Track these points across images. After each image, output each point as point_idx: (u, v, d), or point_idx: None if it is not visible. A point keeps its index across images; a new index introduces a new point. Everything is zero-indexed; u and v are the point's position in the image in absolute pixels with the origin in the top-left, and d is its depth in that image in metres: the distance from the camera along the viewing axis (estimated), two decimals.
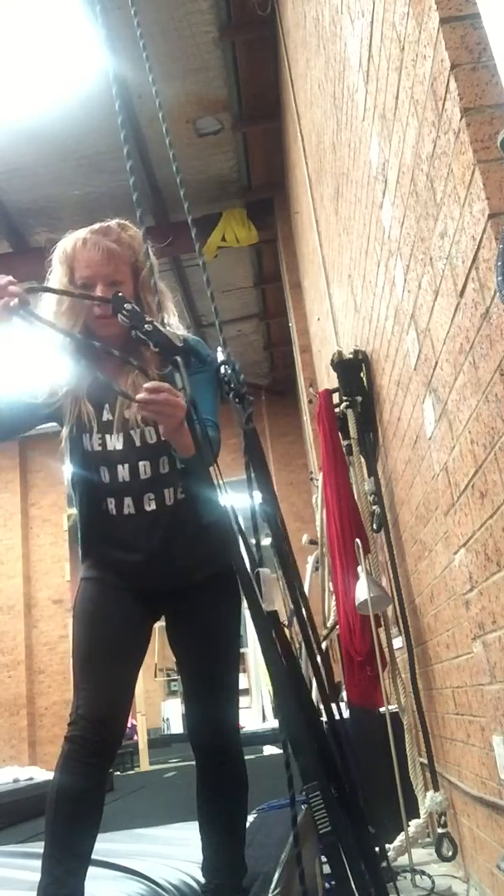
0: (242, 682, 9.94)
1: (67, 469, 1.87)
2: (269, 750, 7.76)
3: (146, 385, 1.45)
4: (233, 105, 6.86)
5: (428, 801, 2.72)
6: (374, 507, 3.32)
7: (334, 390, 3.54)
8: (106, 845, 2.04)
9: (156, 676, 12.76)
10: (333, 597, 3.63)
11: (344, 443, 3.47)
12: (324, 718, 1.50)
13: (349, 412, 3.38)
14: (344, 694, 3.40)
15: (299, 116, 5.06)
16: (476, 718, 2.07)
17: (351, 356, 3.39)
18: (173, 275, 8.62)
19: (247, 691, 12.21)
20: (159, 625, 1.81)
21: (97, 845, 1.52)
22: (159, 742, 11.75)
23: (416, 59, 1.56)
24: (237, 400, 1.52)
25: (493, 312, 1.27)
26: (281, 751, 1.43)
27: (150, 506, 1.66)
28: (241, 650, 2.27)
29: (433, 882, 2.52)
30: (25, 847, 2.88)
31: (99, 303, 1.62)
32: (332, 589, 3.79)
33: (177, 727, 13.31)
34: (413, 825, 2.79)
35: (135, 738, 9.13)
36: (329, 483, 3.44)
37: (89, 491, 1.71)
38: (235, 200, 8.00)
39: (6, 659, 12.67)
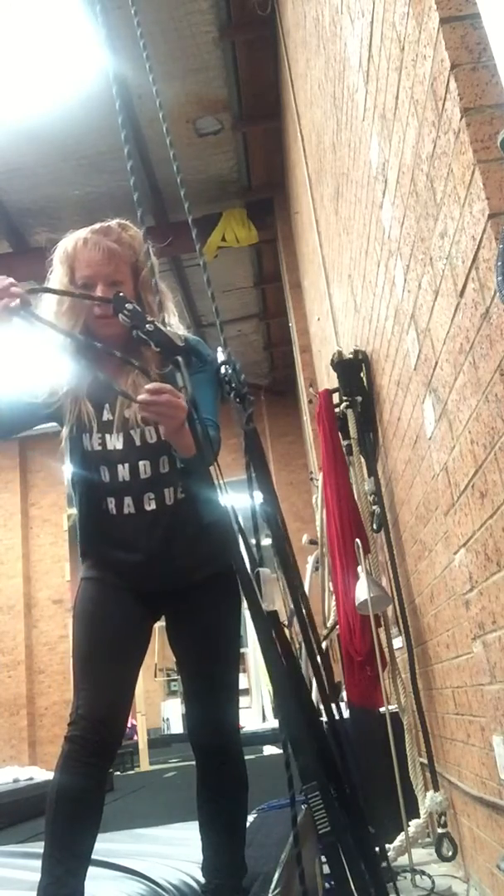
0: (242, 682, 9.94)
1: (67, 469, 1.87)
2: (269, 750, 7.76)
3: (147, 386, 1.45)
4: (233, 105, 6.87)
5: (428, 801, 2.72)
6: (374, 507, 3.32)
7: (334, 390, 3.54)
8: (106, 845, 2.04)
9: (156, 676, 12.76)
10: (333, 597, 3.63)
11: (344, 443, 3.47)
12: (324, 718, 1.50)
13: (349, 412, 3.38)
14: (344, 694, 3.40)
15: (299, 116, 5.06)
16: (476, 718, 2.07)
17: (351, 356, 3.39)
18: (173, 275, 8.62)
19: (247, 691, 12.21)
20: (159, 625, 1.81)
21: (97, 845, 1.52)
22: (159, 742, 11.75)
23: (416, 59, 1.56)
24: (238, 400, 1.52)
25: (493, 312, 1.27)
26: (281, 751, 1.43)
27: (151, 505, 1.66)
28: (241, 650, 2.27)
29: (433, 882, 2.52)
30: (25, 847, 2.88)
31: (99, 303, 1.62)
32: (332, 589, 3.79)
33: (177, 727, 13.30)
34: (413, 825, 2.79)
35: (135, 738, 9.13)
36: (329, 483, 3.44)
37: (89, 490, 1.71)
38: (235, 200, 8.00)
39: (6, 659, 12.67)
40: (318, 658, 1.51)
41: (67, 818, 1.48)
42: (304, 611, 1.50)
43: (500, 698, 1.51)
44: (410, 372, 2.21)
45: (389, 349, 2.68)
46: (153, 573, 1.67)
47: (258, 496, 1.51)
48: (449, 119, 1.37)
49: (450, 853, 2.62)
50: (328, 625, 4.13)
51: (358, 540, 3.13)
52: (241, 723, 1.89)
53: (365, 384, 3.33)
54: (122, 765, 8.73)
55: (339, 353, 3.48)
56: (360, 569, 3.07)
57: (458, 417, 1.57)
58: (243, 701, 11.20)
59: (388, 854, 2.71)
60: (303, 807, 1.37)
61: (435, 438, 1.82)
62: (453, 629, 2.25)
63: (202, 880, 1.73)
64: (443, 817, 2.67)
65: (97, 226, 1.72)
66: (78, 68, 5.89)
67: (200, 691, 1.72)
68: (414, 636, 3.01)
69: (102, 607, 1.67)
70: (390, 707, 3.03)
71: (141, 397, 1.44)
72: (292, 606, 1.51)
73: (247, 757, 1.76)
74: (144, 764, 8.76)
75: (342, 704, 2.95)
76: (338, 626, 3.37)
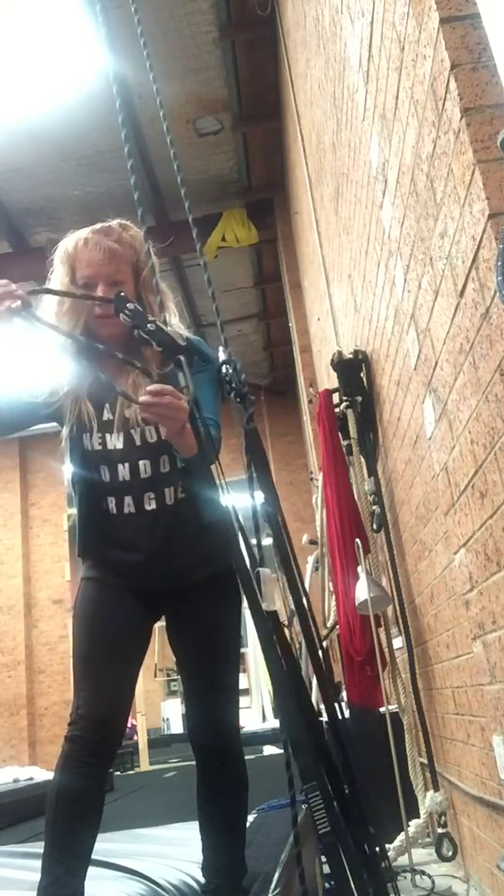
0: (242, 682, 9.92)
1: (67, 469, 1.87)
2: (269, 750, 7.76)
3: (149, 388, 1.45)
4: (233, 105, 6.87)
5: (428, 801, 2.72)
6: (374, 507, 3.32)
7: (334, 390, 3.54)
8: (106, 845, 2.04)
9: (156, 676, 12.76)
10: (333, 597, 3.63)
11: (344, 443, 3.47)
12: (324, 718, 1.50)
13: (349, 412, 3.38)
14: (344, 694, 3.40)
15: (299, 116, 5.06)
16: (476, 718, 2.07)
17: (351, 356, 3.39)
18: (173, 275, 8.62)
19: (247, 691, 12.21)
20: (159, 625, 1.81)
21: (97, 845, 1.52)
22: (159, 742, 11.75)
23: (416, 59, 1.56)
24: (238, 399, 1.52)
25: (493, 312, 1.27)
26: (281, 751, 1.43)
27: (151, 505, 1.66)
28: (242, 650, 2.27)
29: (433, 882, 2.52)
30: (25, 847, 2.88)
31: (100, 302, 1.62)
32: (332, 589, 3.79)
33: (177, 727, 13.30)
34: (413, 825, 2.79)
35: (135, 738, 9.13)
36: (329, 483, 3.44)
37: (89, 490, 1.71)
38: (235, 200, 8.00)
39: (6, 659, 12.67)
40: (320, 658, 1.51)
41: (67, 818, 1.48)
42: (306, 612, 1.50)
43: (500, 698, 1.51)
44: (410, 372, 2.21)
45: (389, 349, 2.68)
46: (153, 573, 1.67)
47: (259, 496, 1.51)
48: (449, 119, 1.37)
49: (450, 853, 2.62)
50: (328, 625, 4.13)
51: (358, 540, 3.13)
52: (241, 723, 1.89)
53: (365, 384, 3.33)
54: (122, 765, 8.74)
55: (339, 353, 3.48)
56: (360, 569, 3.07)
57: (458, 417, 1.57)
58: (243, 701, 11.18)
59: (388, 854, 2.71)
60: (303, 807, 1.37)
61: (435, 438, 1.82)
62: (453, 629, 2.25)
63: (202, 880, 1.73)
64: (443, 817, 2.67)
65: (98, 226, 1.72)
66: (78, 68, 5.89)
67: (200, 691, 1.72)
68: (414, 636, 3.01)
69: (102, 607, 1.67)
70: (390, 707, 3.03)
71: (142, 399, 1.44)
72: (293, 607, 1.51)
73: (247, 757, 1.76)
74: (144, 764, 8.76)
75: (342, 704, 2.95)
76: (338, 626, 3.37)
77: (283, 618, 1.48)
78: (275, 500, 1.50)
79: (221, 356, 1.59)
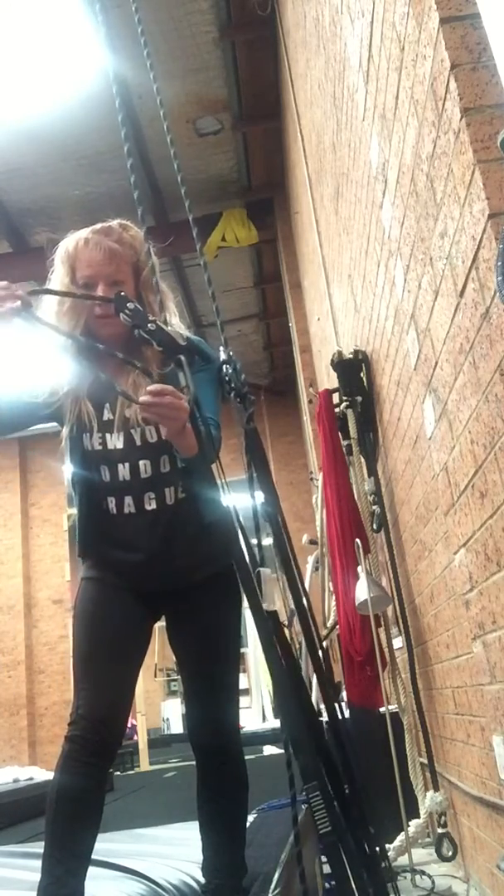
0: (242, 682, 9.92)
1: (67, 469, 1.87)
2: (269, 750, 7.76)
3: (150, 388, 1.45)
4: (233, 105, 6.87)
5: (428, 801, 2.72)
6: (374, 507, 3.32)
7: (334, 390, 3.54)
8: (106, 845, 2.04)
9: (156, 676, 12.76)
10: (333, 597, 3.63)
11: (344, 443, 3.48)
12: (324, 718, 1.50)
13: (349, 412, 3.38)
14: (344, 694, 3.40)
15: (299, 116, 5.06)
16: (476, 718, 2.07)
17: (351, 356, 3.39)
18: (173, 275, 8.62)
19: (247, 691, 12.21)
20: (159, 625, 1.81)
21: (97, 845, 1.52)
22: (159, 742, 11.75)
23: (416, 59, 1.56)
24: (238, 399, 1.52)
25: (493, 312, 1.27)
26: (281, 751, 1.43)
27: (151, 505, 1.66)
28: (242, 650, 2.27)
29: (433, 882, 2.53)
30: (25, 847, 2.88)
31: (101, 302, 1.62)
32: (332, 589, 3.79)
33: (177, 727, 13.30)
34: (413, 825, 2.79)
35: (135, 738, 9.13)
36: (329, 483, 3.44)
37: (90, 490, 1.71)
38: (235, 200, 8.00)
39: (6, 659, 12.67)
40: (320, 657, 1.51)
41: (67, 818, 1.48)
42: (306, 612, 1.50)
43: (500, 698, 1.51)
44: (410, 372, 2.21)
45: (389, 349, 2.68)
46: (153, 573, 1.67)
47: (259, 496, 1.51)
48: (449, 119, 1.37)
49: (450, 853, 2.62)
50: (328, 625, 4.13)
51: (358, 540, 3.13)
52: (242, 723, 1.89)
53: (365, 384, 3.33)
54: (122, 765, 8.73)
55: (339, 353, 3.48)
56: (360, 569, 3.07)
57: (458, 417, 1.58)
58: (243, 701, 11.19)
59: (388, 854, 2.71)
60: (303, 806, 1.37)
61: (435, 438, 1.83)
62: (453, 629, 2.25)
63: (202, 880, 1.73)
64: (443, 817, 2.67)
65: (98, 226, 1.72)
66: (78, 68, 5.89)
67: (200, 691, 1.72)
68: (414, 636, 3.01)
69: (102, 607, 1.67)
70: (390, 707, 3.03)
71: (143, 398, 1.44)
72: (293, 607, 1.51)
73: (247, 757, 1.76)
74: (144, 764, 8.76)
75: (342, 704, 2.95)
76: (338, 626, 3.37)
77: (283, 618, 1.48)
78: (275, 500, 1.50)
79: (221, 356, 1.59)
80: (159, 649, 8.99)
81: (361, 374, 3.35)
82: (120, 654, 1.64)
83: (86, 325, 1.66)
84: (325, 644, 3.99)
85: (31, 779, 5.65)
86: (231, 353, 1.59)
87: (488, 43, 1.28)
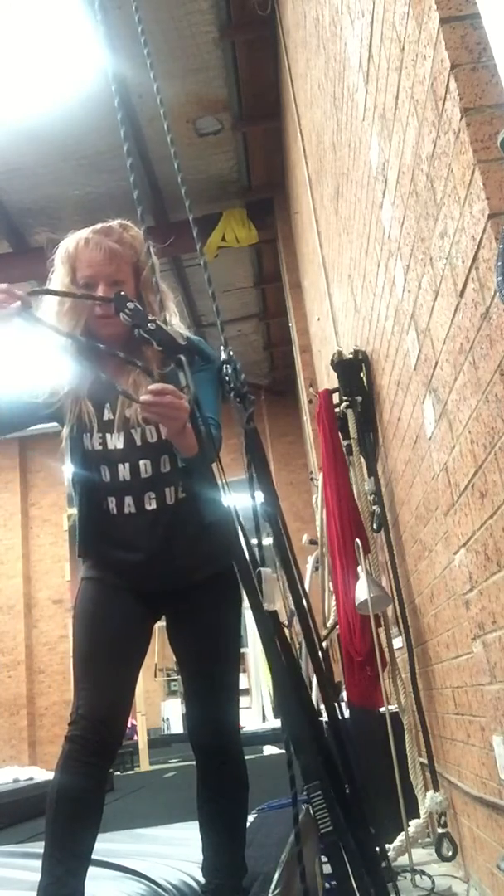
0: (242, 682, 9.93)
1: (67, 469, 1.88)
2: (269, 750, 7.76)
3: (150, 387, 1.45)
4: (233, 105, 6.87)
5: (428, 801, 2.72)
6: (374, 507, 3.32)
7: (334, 390, 3.54)
8: (106, 845, 2.04)
9: (156, 676, 12.76)
10: (333, 597, 3.63)
11: (344, 443, 3.48)
12: (324, 718, 1.50)
13: (349, 412, 3.38)
14: (344, 694, 3.40)
15: (299, 116, 5.06)
16: (476, 718, 2.07)
17: (351, 356, 3.39)
18: (173, 275, 8.62)
19: (247, 691, 12.21)
20: (159, 625, 1.81)
21: (97, 845, 1.52)
22: (159, 742, 11.75)
23: (416, 59, 1.56)
24: (238, 399, 1.52)
25: (493, 312, 1.27)
26: (281, 751, 1.43)
27: (151, 505, 1.66)
28: (242, 650, 2.27)
29: (433, 882, 2.53)
30: (25, 847, 2.88)
31: (101, 302, 1.62)
32: (332, 589, 3.79)
33: (177, 727, 13.30)
34: (413, 825, 2.79)
35: (135, 738, 9.13)
36: (329, 483, 3.44)
37: (90, 490, 1.71)
38: (235, 200, 8.00)
39: (6, 659, 12.68)
40: (320, 657, 1.51)
41: (67, 818, 1.49)
42: (306, 612, 1.50)
43: (500, 698, 1.51)
44: (410, 372, 2.21)
45: (389, 349, 2.68)
46: (153, 573, 1.67)
47: (259, 496, 1.51)
48: (449, 119, 1.37)
49: (450, 853, 2.62)
50: (328, 625, 4.13)
51: (358, 540, 3.13)
52: (242, 723, 1.89)
53: (365, 384, 3.33)
54: (122, 765, 8.74)
55: (339, 353, 3.48)
56: (360, 569, 3.07)
57: (458, 417, 1.58)
58: (243, 701, 11.18)
59: (389, 854, 2.71)
60: (303, 806, 1.37)
61: (435, 438, 1.83)
62: (453, 629, 2.25)
63: (202, 880, 1.73)
64: (443, 817, 2.67)
65: (98, 226, 1.72)
66: (78, 68, 5.90)
67: (201, 691, 1.72)
68: (414, 636, 3.01)
69: (103, 607, 1.67)
70: (390, 707, 3.03)
71: (143, 398, 1.44)
72: (292, 606, 1.51)
73: (247, 757, 1.76)
74: (144, 764, 8.77)
75: (342, 704, 2.95)
76: (338, 626, 3.37)
77: (283, 618, 1.48)
78: (275, 500, 1.50)
79: (222, 356, 1.59)
80: (159, 649, 8.98)
81: (361, 374, 3.35)
82: (120, 654, 1.64)
83: (86, 325, 1.66)
84: (325, 644, 3.99)
85: (31, 779, 5.66)
86: (231, 353, 1.59)
87: (488, 43, 1.28)
